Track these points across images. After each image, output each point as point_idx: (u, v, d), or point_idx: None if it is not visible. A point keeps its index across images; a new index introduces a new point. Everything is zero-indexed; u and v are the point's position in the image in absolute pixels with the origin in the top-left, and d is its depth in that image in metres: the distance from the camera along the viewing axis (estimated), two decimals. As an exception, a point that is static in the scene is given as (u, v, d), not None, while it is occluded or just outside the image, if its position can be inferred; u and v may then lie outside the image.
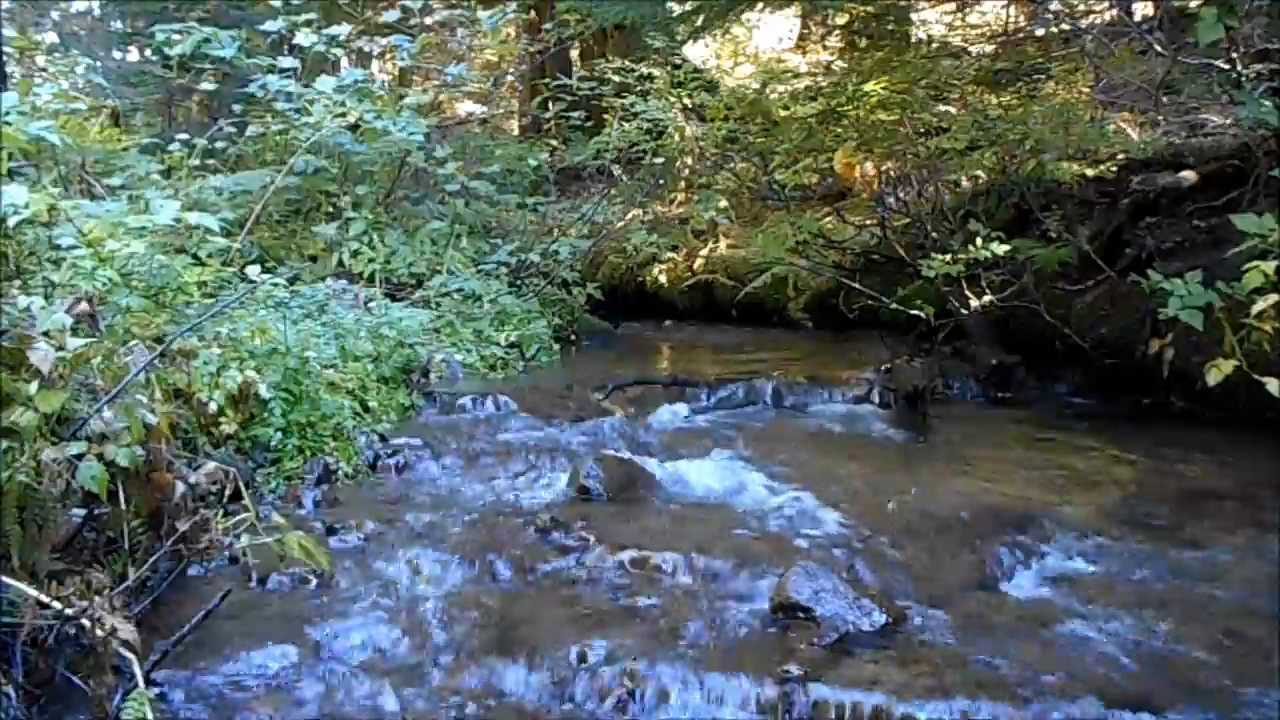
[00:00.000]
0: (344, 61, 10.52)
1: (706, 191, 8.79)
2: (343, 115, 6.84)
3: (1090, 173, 5.76)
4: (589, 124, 9.33)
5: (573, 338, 7.65)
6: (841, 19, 11.43)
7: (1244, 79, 4.34)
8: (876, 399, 5.28)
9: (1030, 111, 6.08)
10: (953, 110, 6.91)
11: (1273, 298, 3.26)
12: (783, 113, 6.65)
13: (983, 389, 5.47)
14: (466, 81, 9.21)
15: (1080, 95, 7.00)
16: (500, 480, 4.01)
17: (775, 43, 13.50)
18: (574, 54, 12.61)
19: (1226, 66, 4.47)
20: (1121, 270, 5.08)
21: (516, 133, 12.88)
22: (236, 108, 7.82)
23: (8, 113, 3.91)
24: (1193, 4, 6.18)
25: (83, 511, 2.57)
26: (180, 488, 2.72)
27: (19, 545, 2.26)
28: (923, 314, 5.33)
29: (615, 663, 2.42)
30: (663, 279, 9.56)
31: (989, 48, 9.43)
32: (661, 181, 9.58)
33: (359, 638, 2.59)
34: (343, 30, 7.53)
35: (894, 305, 5.82)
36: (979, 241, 4.99)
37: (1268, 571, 2.98)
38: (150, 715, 2.04)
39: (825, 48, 12.57)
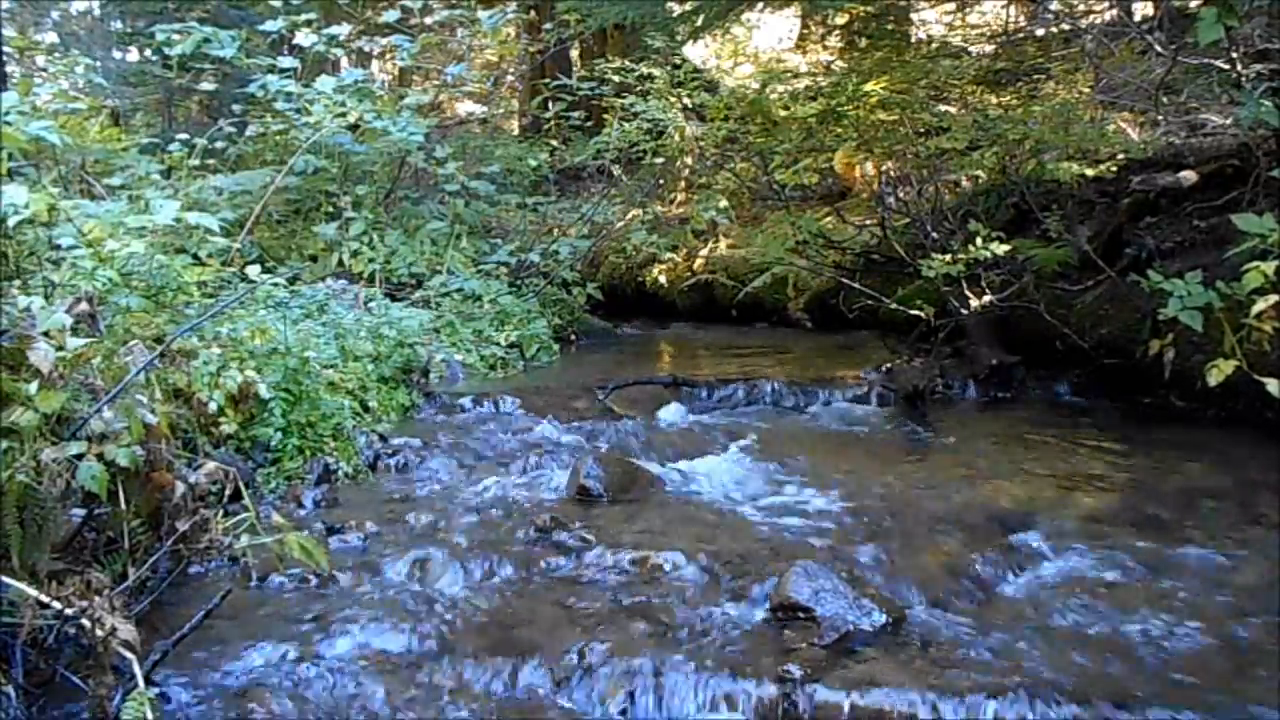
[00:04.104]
0: (344, 61, 10.54)
1: (706, 191, 8.80)
2: (343, 115, 6.84)
3: (1090, 173, 5.76)
4: (589, 124, 9.34)
5: (573, 338, 7.66)
6: (841, 19, 11.43)
7: (1244, 79, 4.34)
8: (876, 399, 5.29)
9: (1030, 111, 6.08)
10: (953, 110, 6.91)
11: (1273, 298, 3.26)
12: (783, 113, 6.65)
13: (983, 389, 5.47)
14: (466, 81, 9.21)
15: (1080, 95, 7.00)
16: (500, 480, 4.01)
17: (775, 43, 13.50)
18: (574, 54, 12.62)
19: (1226, 66, 4.48)
20: (1121, 270, 5.08)
21: (516, 133, 12.88)
22: (236, 108, 7.83)
23: (8, 113, 3.91)
24: (1193, 4, 6.18)
25: (83, 511, 2.57)
26: (180, 488, 2.72)
27: (19, 545, 2.26)
28: (923, 314, 5.33)
29: (615, 662, 2.41)
30: (663, 279, 9.56)
31: (989, 48, 9.43)
32: (661, 181, 9.59)
33: (359, 638, 2.59)
34: (343, 30, 7.54)
35: (894, 305, 5.82)
36: (979, 241, 4.99)
37: (1267, 572, 2.98)
38: (150, 715, 2.04)
39: (825, 48, 12.57)
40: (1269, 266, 3.25)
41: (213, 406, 3.65)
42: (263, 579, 2.92)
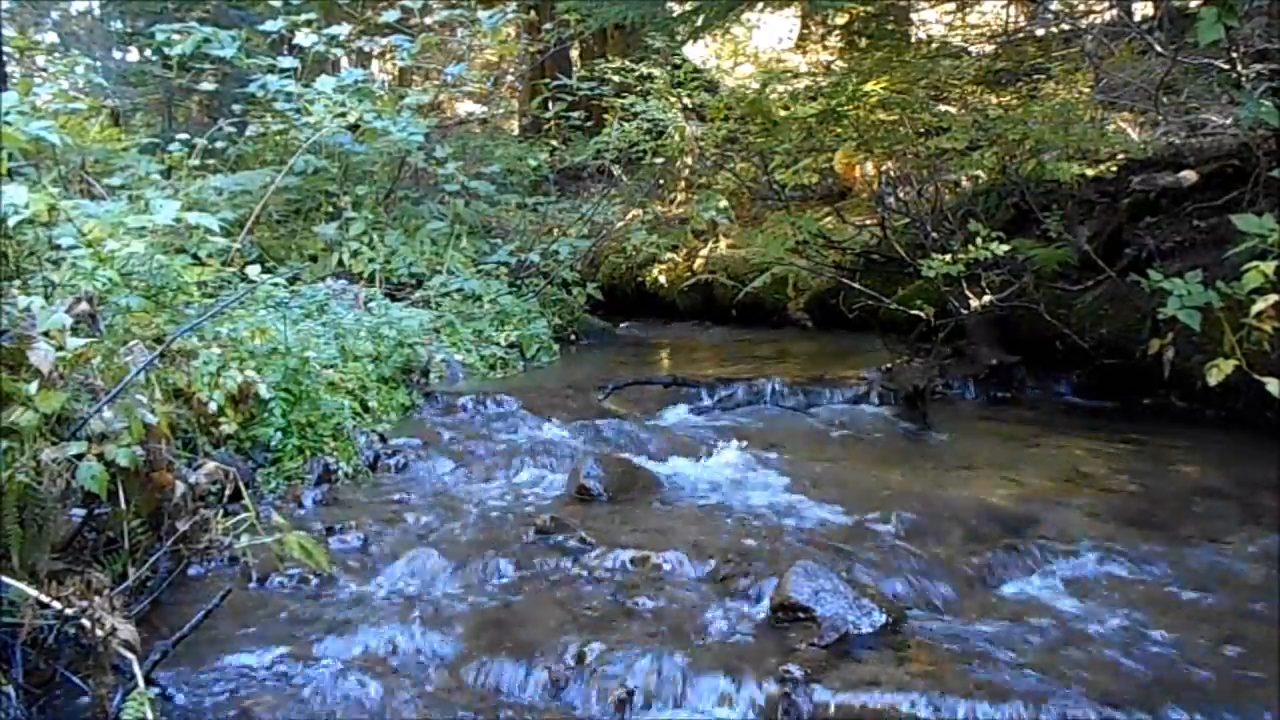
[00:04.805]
0: (344, 61, 10.54)
1: (706, 191, 8.81)
2: (343, 115, 6.84)
3: (1090, 173, 5.76)
4: (589, 124, 9.33)
5: (573, 338, 7.66)
6: (841, 19, 11.43)
7: (1244, 79, 4.34)
8: (876, 399, 5.29)
9: (1030, 111, 6.07)
10: (953, 110, 6.91)
11: (1272, 298, 3.26)
12: (783, 113, 6.65)
13: (983, 389, 5.47)
14: (466, 81, 9.21)
15: (1080, 95, 7.00)
16: (500, 480, 4.01)
17: (775, 43, 13.50)
18: (574, 54, 12.62)
19: (1226, 66, 4.47)
20: (1121, 270, 5.08)
21: (516, 133, 12.88)
22: (236, 108, 7.83)
23: (8, 113, 3.91)
24: (1193, 4, 6.19)
25: (83, 511, 2.57)
26: (180, 488, 2.72)
27: (19, 545, 2.26)
28: (923, 314, 5.33)
29: (615, 663, 2.42)
30: (663, 279, 9.56)
31: (989, 48, 9.43)
32: (661, 181, 9.59)
33: (358, 638, 2.59)
34: (343, 30, 7.54)
35: (894, 305, 5.82)
36: (979, 241, 4.99)
37: (1268, 572, 2.98)
38: (150, 715, 2.04)
39: (825, 48, 12.57)
40: (1269, 266, 3.25)
41: (213, 406, 3.65)
42: (263, 579, 2.92)
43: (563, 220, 8.86)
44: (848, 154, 7.82)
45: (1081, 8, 8.74)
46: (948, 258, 5.08)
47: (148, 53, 9.52)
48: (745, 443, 4.41)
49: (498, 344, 6.60)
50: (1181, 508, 3.56)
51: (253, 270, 4.40)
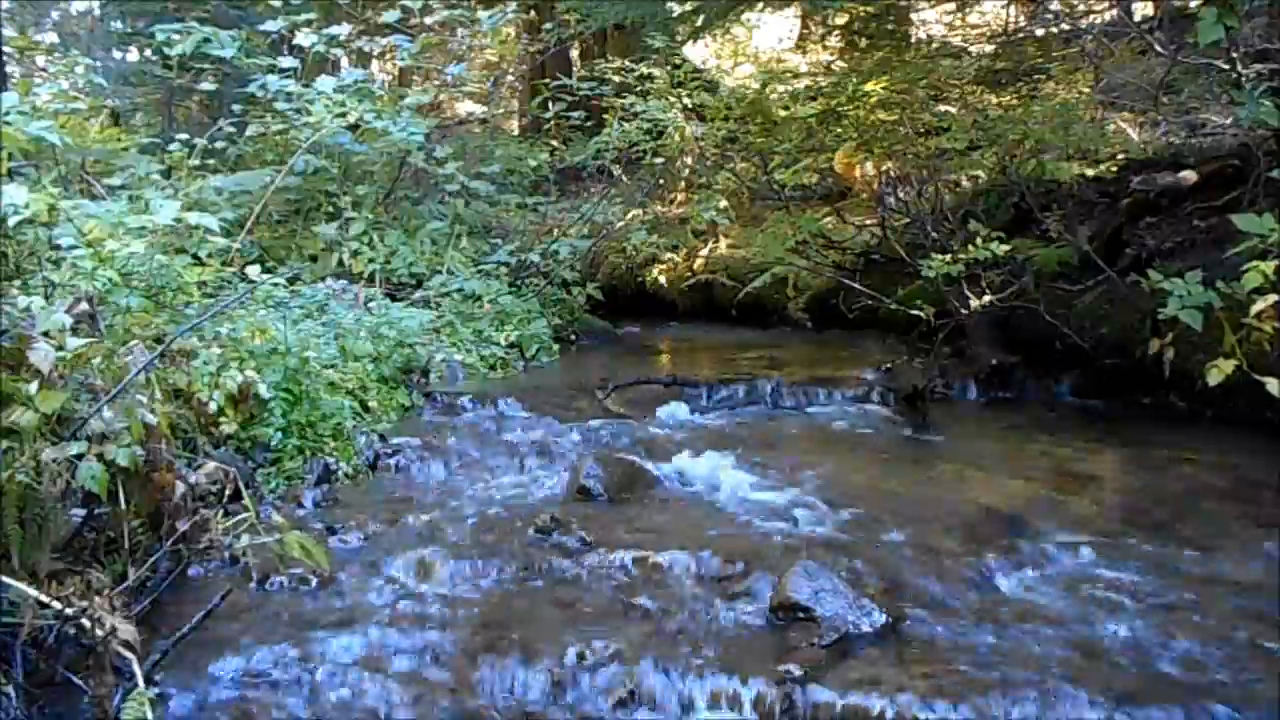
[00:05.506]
0: (344, 61, 10.54)
1: (706, 191, 8.80)
2: (343, 115, 6.83)
3: (1090, 173, 5.76)
4: (589, 124, 9.33)
5: (573, 338, 7.66)
6: (841, 19, 11.43)
7: (1244, 79, 4.34)
8: (876, 399, 5.29)
9: (1030, 111, 6.08)
10: (953, 110, 6.92)
11: (1272, 298, 3.26)
12: (783, 113, 6.66)
13: (983, 389, 5.47)
14: (466, 81, 9.21)
15: (1080, 95, 7.01)
16: (500, 480, 4.01)
17: (775, 43, 13.50)
18: (574, 54, 12.61)
19: (1226, 66, 4.47)
20: (1121, 270, 5.08)
21: (516, 133, 12.87)
22: (236, 108, 7.82)
23: (8, 113, 3.91)
24: (1193, 4, 6.18)
25: (83, 511, 2.57)
26: (180, 488, 2.73)
27: (19, 545, 2.27)
28: (923, 314, 5.33)
29: (615, 663, 2.42)
30: (663, 279, 9.56)
31: (989, 48, 9.43)
32: (661, 181, 9.58)
33: (359, 638, 2.59)
34: (343, 30, 7.53)
35: (894, 305, 5.82)
36: (979, 241, 4.99)
37: (1267, 571, 2.98)
38: (150, 715, 2.04)
39: (825, 48, 12.56)
40: (1269, 266, 3.25)
41: (213, 406, 3.65)
42: (263, 579, 2.92)
43: (563, 220, 8.85)
44: (848, 154, 7.82)
45: (1081, 8, 8.74)
46: (948, 258, 5.08)
47: (148, 53, 9.51)
48: (745, 443, 4.41)
49: (498, 344, 6.60)
50: (1181, 508, 3.56)
51: (253, 270, 4.40)
